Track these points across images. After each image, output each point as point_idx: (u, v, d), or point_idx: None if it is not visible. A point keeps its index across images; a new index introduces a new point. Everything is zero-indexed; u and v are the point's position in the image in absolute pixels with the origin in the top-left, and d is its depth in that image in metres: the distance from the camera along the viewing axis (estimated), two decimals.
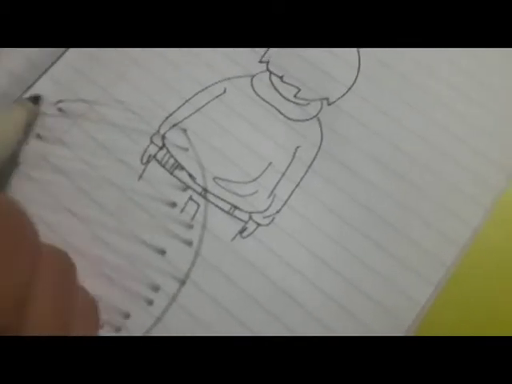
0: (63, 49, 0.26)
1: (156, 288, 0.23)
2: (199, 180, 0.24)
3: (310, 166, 0.25)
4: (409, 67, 0.26)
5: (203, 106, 0.26)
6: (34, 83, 0.26)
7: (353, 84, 0.26)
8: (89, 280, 0.22)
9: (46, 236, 0.23)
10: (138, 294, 0.23)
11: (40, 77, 0.26)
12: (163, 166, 0.25)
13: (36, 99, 0.25)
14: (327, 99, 0.26)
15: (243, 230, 0.24)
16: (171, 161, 0.25)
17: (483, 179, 0.24)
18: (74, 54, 0.26)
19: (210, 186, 0.24)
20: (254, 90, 0.26)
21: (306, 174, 0.25)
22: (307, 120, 0.26)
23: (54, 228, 0.23)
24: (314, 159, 0.25)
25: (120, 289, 0.23)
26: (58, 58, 0.26)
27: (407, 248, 0.23)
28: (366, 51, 0.27)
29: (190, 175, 0.24)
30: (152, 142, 0.25)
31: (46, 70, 0.26)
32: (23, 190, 0.24)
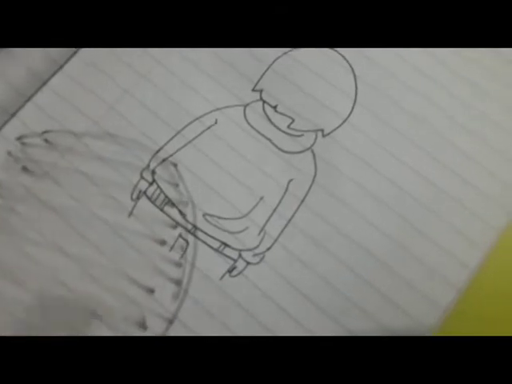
0: (49, 74, 0.25)
1: (144, 327, 0.23)
2: (189, 217, 0.24)
3: (302, 201, 0.24)
4: (409, 98, 0.26)
5: (194, 139, 0.25)
6: (17, 110, 0.25)
7: (349, 115, 0.25)
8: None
9: (34, 273, 0.23)
10: (125, 333, 0.22)
11: (25, 103, 0.25)
12: (153, 203, 0.24)
13: None
14: (322, 130, 0.25)
15: (232, 268, 0.23)
16: (161, 197, 0.24)
17: (485, 215, 0.24)
18: (61, 80, 0.25)
19: (200, 222, 0.24)
20: (246, 121, 0.25)
21: (298, 209, 0.24)
22: (301, 152, 0.25)
23: (42, 265, 0.23)
24: (307, 193, 0.24)
25: (107, 328, 0.23)
26: (44, 83, 0.25)
27: (401, 288, 0.23)
28: (363, 80, 0.26)
29: (180, 212, 0.24)
30: (142, 177, 0.24)
31: (30, 97, 0.25)
32: (9, 224, 0.24)
